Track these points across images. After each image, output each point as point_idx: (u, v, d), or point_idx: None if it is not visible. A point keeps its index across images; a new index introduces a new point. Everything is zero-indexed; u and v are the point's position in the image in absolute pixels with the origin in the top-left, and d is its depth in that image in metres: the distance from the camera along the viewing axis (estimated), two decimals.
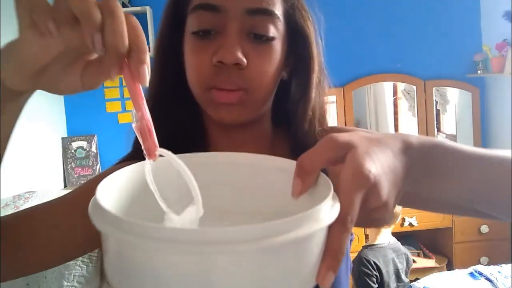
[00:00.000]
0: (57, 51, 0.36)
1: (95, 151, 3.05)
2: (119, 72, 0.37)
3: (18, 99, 0.41)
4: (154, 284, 0.30)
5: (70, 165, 3.02)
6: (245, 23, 0.57)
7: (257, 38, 0.58)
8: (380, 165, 0.37)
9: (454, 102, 3.34)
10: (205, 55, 0.58)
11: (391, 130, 3.45)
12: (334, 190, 0.36)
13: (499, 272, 2.17)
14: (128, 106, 3.03)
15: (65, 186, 3.00)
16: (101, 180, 0.37)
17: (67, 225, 0.58)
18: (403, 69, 3.14)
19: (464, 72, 3.10)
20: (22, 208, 2.26)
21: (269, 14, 0.58)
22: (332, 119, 3.11)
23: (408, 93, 3.31)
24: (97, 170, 3.05)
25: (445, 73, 3.14)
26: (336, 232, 0.33)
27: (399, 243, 2.38)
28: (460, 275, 2.23)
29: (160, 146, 0.39)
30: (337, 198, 0.35)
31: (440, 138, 3.32)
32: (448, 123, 3.40)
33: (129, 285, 0.32)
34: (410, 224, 2.86)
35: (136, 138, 0.39)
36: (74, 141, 3.03)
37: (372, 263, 2.20)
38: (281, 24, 0.60)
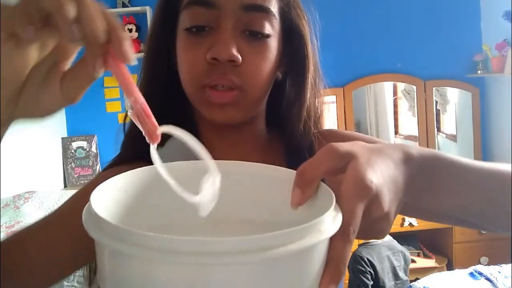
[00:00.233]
0: (36, 58, 0.35)
1: (95, 151, 3.05)
2: (103, 63, 0.35)
3: None
4: None
5: (70, 165, 3.02)
6: (240, 19, 0.56)
7: (252, 35, 0.57)
8: (381, 175, 0.37)
9: (454, 102, 3.34)
10: (198, 52, 0.56)
11: (391, 130, 3.45)
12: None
13: (499, 272, 2.17)
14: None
15: (65, 186, 3.00)
16: (88, 190, 0.36)
17: (60, 243, 0.56)
18: (403, 69, 3.14)
19: (464, 72, 3.10)
20: (22, 208, 2.26)
21: (264, 11, 0.57)
22: (332, 119, 3.11)
23: (408, 93, 3.31)
24: (97, 170, 3.05)
25: (445, 73, 3.14)
26: (339, 243, 0.33)
27: (394, 241, 2.41)
28: (460, 275, 2.22)
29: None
30: (339, 209, 0.34)
31: (440, 138, 3.32)
32: (448, 123, 3.40)
33: None
34: (410, 224, 2.86)
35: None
36: (74, 141, 3.04)
37: (366, 260, 2.26)
38: (276, 22, 0.59)
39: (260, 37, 0.58)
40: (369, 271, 2.24)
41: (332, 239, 0.32)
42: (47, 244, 0.56)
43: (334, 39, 2.97)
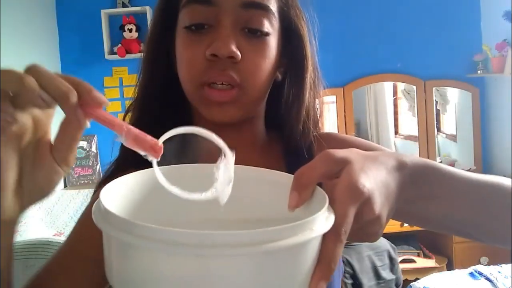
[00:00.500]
0: (21, 142, 0.37)
1: (95, 151, 3.06)
2: (84, 112, 0.37)
3: (12, 228, 0.40)
4: (155, 285, 0.31)
5: None
6: (239, 17, 0.56)
7: (251, 33, 0.57)
8: (374, 181, 0.39)
9: (454, 102, 3.34)
10: (198, 49, 0.56)
11: (391, 130, 3.46)
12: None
13: (499, 272, 2.17)
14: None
15: (65, 186, 3.00)
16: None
17: (79, 271, 0.56)
18: (403, 69, 3.14)
19: (464, 72, 3.10)
20: None
21: (264, 9, 0.57)
22: (332, 119, 3.12)
23: (408, 93, 3.31)
24: (97, 170, 3.06)
25: (445, 73, 3.14)
26: (330, 242, 0.34)
27: (381, 240, 2.42)
28: (460, 275, 2.23)
29: None
30: (332, 210, 0.36)
31: (440, 138, 3.32)
32: (448, 123, 3.40)
33: (130, 287, 0.33)
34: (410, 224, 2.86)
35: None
36: None
37: (345, 260, 2.28)
38: (275, 20, 0.59)
39: (259, 35, 0.58)
40: (348, 270, 2.28)
41: (324, 238, 0.34)
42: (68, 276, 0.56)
43: (334, 39, 2.98)
